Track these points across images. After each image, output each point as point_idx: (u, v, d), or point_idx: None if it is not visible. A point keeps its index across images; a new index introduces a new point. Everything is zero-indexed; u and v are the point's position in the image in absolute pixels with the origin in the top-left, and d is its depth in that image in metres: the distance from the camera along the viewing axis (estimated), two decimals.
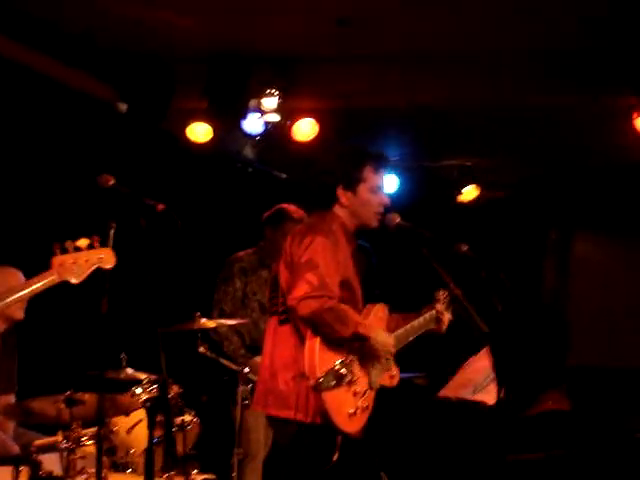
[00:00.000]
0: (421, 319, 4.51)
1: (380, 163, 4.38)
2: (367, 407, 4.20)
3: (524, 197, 9.38)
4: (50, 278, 3.63)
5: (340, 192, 4.30)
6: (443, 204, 8.42)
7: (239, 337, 5.91)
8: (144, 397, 4.49)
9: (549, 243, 9.90)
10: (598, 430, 2.72)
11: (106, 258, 3.68)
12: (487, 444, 2.73)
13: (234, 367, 5.63)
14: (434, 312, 4.55)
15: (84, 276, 3.65)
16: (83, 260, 3.64)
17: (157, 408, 3.79)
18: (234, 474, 5.48)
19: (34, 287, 3.67)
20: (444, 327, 4.57)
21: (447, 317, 4.58)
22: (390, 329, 4.42)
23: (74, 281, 3.64)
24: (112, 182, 3.71)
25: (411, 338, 4.47)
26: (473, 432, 2.86)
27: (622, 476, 2.64)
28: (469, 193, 8.70)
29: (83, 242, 3.65)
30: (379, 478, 5.63)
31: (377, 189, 4.35)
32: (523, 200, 9.43)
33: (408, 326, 4.45)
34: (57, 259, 3.62)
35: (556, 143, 7.67)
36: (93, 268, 3.67)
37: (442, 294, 4.58)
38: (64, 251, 3.64)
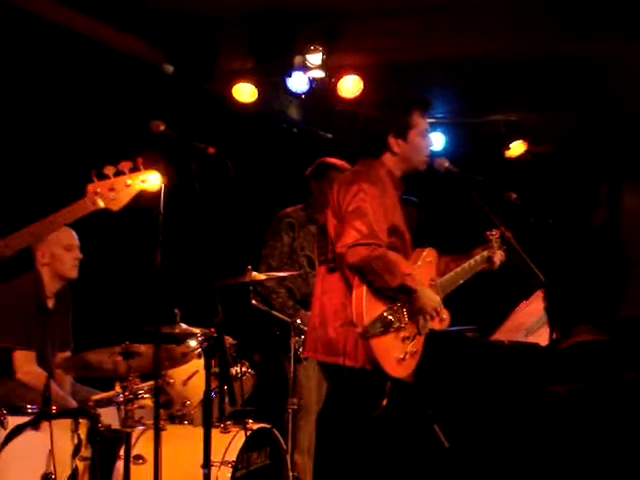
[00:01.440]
0: (472, 261, 4.53)
1: (426, 107, 4.41)
2: (416, 352, 4.23)
3: (572, 151, 9.30)
4: (82, 207, 3.44)
5: (391, 140, 4.32)
6: (491, 160, 8.35)
7: (287, 290, 5.96)
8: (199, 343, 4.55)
9: (599, 197, 9.81)
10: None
11: (151, 181, 3.46)
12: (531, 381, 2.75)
13: (286, 319, 5.69)
14: (485, 253, 4.57)
15: (124, 202, 3.43)
16: (123, 185, 3.41)
17: (214, 350, 3.83)
18: (289, 425, 5.52)
19: (62, 218, 3.49)
20: (497, 265, 4.58)
21: (499, 256, 4.58)
22: (440, 272, 4.44)
23: (113, 208, 3.43)
24: (163, 127, 3.72)
25: (461, 281, 4.49)
26: (527, 374, 2.88)
27: None
28: (516, 148, 8.62)
29: (125, 165, 3.42)
30: (432, 430, 5.66)
31: (425, 133, 4.39)
32: (571, 155, 9.35)
33: (459, 269, 4.48)
34: (91, 186, 3.42)
35: (602, 94, 7.58)
36: (135, 193, 3.45)
37: (494, 234, 4.59)
38: (102, 177, 3.42)
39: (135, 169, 3.42)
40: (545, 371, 2.80)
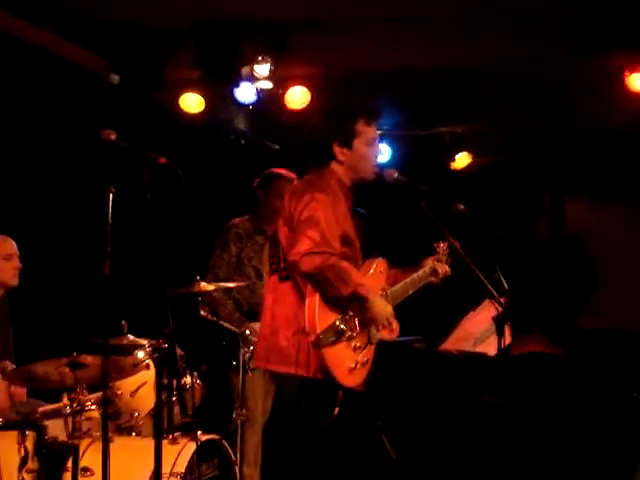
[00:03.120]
0: (420, 272, 4.55)
1: (372, 115, 4.40)
2: (367, 361, 4.23)
3: (516, 163, 9.41)
4: None
5: (336, 149, 4.32)
6: (436, 172, 8.41)
7: (234, 302, 5.94)
8: (147, 356, 4.53)
9: (542, 208, 9.94)
10: (590, 380, 2.75)
11: None
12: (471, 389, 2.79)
13: (235, 329, 5.66)
14: (433, 264, 4.60)
15: None
16: None
17: (165, 361, 3.81)
18: (237, 436, 5.50)
19: None
20: (440, 278, 4.61)
21: (444, 269, 4.61)
22: (390, 283, 4.46)
23: None
24: (114, 137, 3.70)
25: (411, 291, 4.50)
26: (475, 382, 2.90)
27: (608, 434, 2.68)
28: (461, 160, 8.73)
29: None
30: (381, 441, 5.67)
31: (372, 141, 4.38)
32: (515, 166, 9.46)
33: (408, 279, 4.50)
34: None
35: (547, 107, 7.68)
36: None
37: (442, 246, 4.62)
38: None
39: None
40: (492, 379, 2.82)
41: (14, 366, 5.11)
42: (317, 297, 4.05)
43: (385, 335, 4.34)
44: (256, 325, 5.82)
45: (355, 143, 4.32)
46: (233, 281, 5.88)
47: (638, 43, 5.97)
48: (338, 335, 4.06)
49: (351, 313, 4.13)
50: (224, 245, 6.07)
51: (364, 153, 4.35)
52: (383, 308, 4.21)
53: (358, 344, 4.16)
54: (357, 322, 4.16)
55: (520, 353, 2.77)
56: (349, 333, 4.11)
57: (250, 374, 5.66)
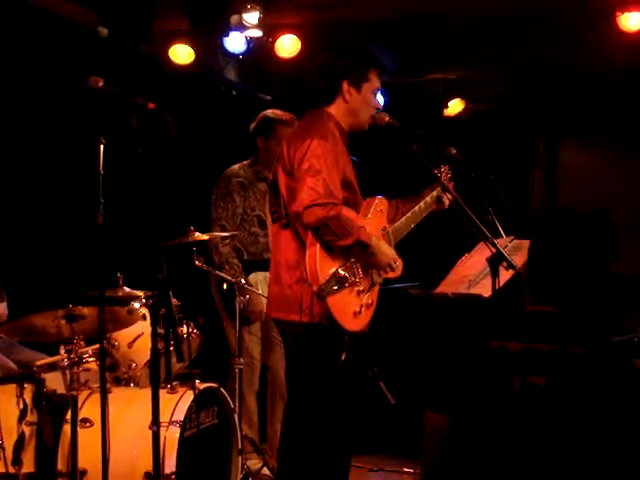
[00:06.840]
0: (422, 204, 4.56)
1: (383, 69, 4.46)
2: (372, 303, 4.24)
3: (509, 109, 9.38)
4: None
5: (345, 86, 4.33)
6: (429, 119, 8.37)
7: (234, 251, 5.88)
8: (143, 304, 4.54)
9: (536, 153, 9.92)
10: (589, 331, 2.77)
11: None
12: (478, 334, 2.78)
13: (230, 279, 5.61)
14: (435, 193, 4.60)
15: None
16: None
17: (160, 307, 3.79)
18: (236, 385, 5.50)
19: None
20: (447, 204, 4.60)
21: (449, 195, 4.60)
22: (391, 217, 4.47)
23: None
24: (101, 83, 3.66)
25: (412, 225, 4.52)
26: (470, 325, 2.89)
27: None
28: (455, 107, 8.71)
29: None
30: (378, 387, 5.68)
31: (376, 92, 4.44)
32: (508, 112, 9.43)
33: (409, 214, 4.50)
34: None
35: (539, 51, 7.62)
36: None
37: (443, 170, 4.61)
38: None
39: None
40: (501, 328, 2.82)
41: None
42: (317, 247, 4.02)
43: (389, 275, 4.33)
44: (254, 276, 5.84)
45: (363, 87, 4.36)
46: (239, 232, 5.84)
47: None
48: (340, 283, 4.05)
49: (353, 259, 4.12)
50: (227, 196, 5.92)
51: (368, 99, 4.39)
52: (386, 254, 4.21)
53: (362, 288, 4.16)
54: (359, 267, 4.15)
55: (533, 310, 2.77)
56: (352, 279, 4.11)
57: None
